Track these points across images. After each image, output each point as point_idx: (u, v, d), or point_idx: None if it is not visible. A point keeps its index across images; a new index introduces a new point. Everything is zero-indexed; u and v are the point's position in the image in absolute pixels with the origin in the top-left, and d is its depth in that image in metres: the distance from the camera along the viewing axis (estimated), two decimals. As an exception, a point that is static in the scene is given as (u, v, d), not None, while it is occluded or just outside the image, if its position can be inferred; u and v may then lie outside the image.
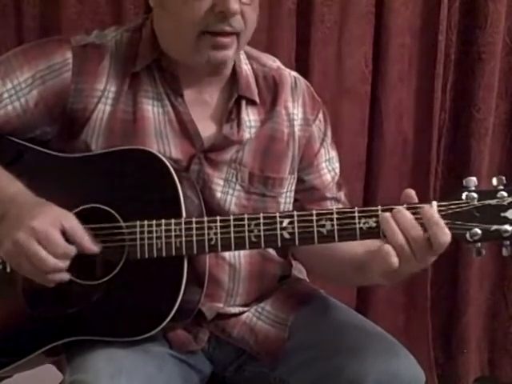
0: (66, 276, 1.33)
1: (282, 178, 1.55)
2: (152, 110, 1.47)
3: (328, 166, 1.63)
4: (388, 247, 1.26)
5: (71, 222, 1.33)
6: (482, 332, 2.66)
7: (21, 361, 1.44)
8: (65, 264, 1.31)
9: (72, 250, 1.32)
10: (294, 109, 1.58)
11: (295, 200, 1.60)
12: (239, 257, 1.51)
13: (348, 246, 1.37)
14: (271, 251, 1.58)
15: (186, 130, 1.48)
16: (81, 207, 1.38)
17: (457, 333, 2.58)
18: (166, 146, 1.47)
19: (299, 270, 1.70)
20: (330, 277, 1.64)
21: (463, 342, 2.58)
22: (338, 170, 1.66)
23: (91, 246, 1.34)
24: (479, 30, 2.37)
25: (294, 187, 1.59)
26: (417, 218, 1.26)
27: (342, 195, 1.65)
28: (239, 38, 1.42)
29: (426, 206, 1.26)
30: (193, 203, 1.41)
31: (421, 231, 1.25)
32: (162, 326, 1.36)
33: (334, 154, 1.66)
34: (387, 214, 1.27)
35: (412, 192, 1.30)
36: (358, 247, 1.39)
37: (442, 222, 1.25)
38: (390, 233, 1.26)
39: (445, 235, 1.25)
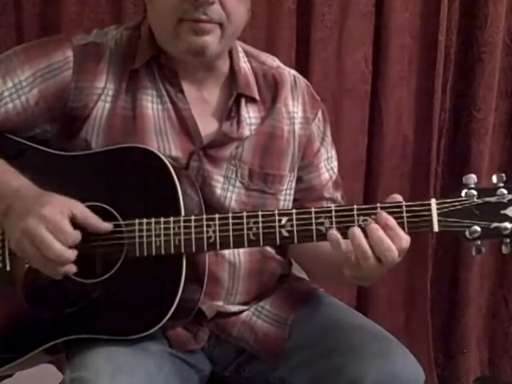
0: (72, 268, 1.34)
1: (281, 175, 1.56)
2: (151, 107, 1.48)
3: (327, 165, 1.64)
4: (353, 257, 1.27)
5: (79, 207, 1.34)
6: (482, 332, 2.66)
7: (21, 359, 1.44)
8: (72, 253, 1.32)
9: (79, 236, 1.33)
10: (294, 107, 1.59)
11: (295, 199, 1.60)
12: (239, 255, 1.51)
13: (327, 245, 1.36)
14: (271, 249, 1.58)
15: (185, 126, 1.48)
16: (80, 205, 1.38)
17: (457, 333, 2.59)
18: (166, 143, 1.47)
19: (299, 269, 1.70)
20: (315, 275, 1.66)
21: (463, 341, 2.58)
22: (336, 170, 1.66)
23: (104, 225, 1.36)
24: (479, 30, 2.37)
25: (293, 185, 1.59)
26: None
27: (338, 195, 1.65)
28: (223, 29, 1.42)
29: (381, 212, 1.27)
30: (192, 201, 1.41)
31: (391, 247, 1.26)
32: (161, 325, 1.36)
33: (333, 152, 1.66)
34: (358, 231, 1.27)
35: (399, 197, 1.31)
36: None
37: (397, 228, 1.26)
38: (357, 250, 1.26)
39: (401, 240, 1.26)
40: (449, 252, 2.56)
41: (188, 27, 1.39)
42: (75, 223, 1.33)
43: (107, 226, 1.36)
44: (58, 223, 1.29)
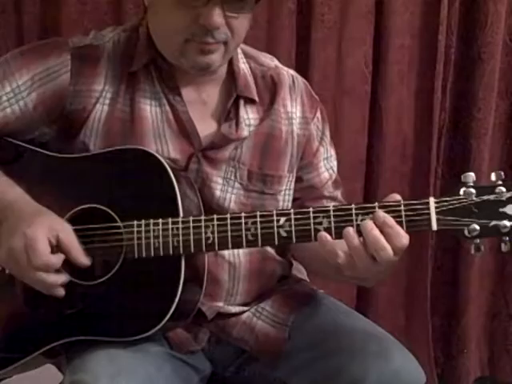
0: (61, 292, 1.34)
1: (280, 175, 1.55)
2: (150, 110, 1.47)
3: (326, 165, 1.64)
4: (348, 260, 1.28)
5: (67, 233, 1.33)
6: (482, 332, 2.66)
7: (20, 361, 1.44)
8: (48, 274, 1.31)
9: (56, 261, 1.31)
10: (293, 107, 1.58)
11: (295, 199, 1.60)
12: (239, 255, 1.51)
13: None
14: (271, 250, 1.58)
15: (184, 129, 1.48)
16: (78, 208, 1.38)
17: (457, 333, 2.59)
18: (164, 146, 1.47)
19: (299, 270, 1.70)
20: (316, 272, 1.66)
21: (463, 341, 2.59)
22: (335, 169, 1.66)
23: (83, 258, 1.34)
24: (479, 30, 2.38)
25: (292, 185, 1.59)
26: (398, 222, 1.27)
27: (338, 194, 1.65)
28: (227, 45, 1.43)
29: (378, 211, 1.27)
30: (191, 202, 1.41)
31: (385, 245, 1.26)
32: (160, 326, 1.36)
33: (332, 152, 1.66)
34: (351, 231, 1.27)
35: (397, 197, 1.30)
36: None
37: (396, 226, 1.26)
38: (352, 249, 1.27)
39: (401, 238, 1.26)
40: (449, 252, 2.56)
41: (195, 48, 1.40)
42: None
43: (86, 260, 1.34)
44: (35, 243, 1.28)
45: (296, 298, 1.59)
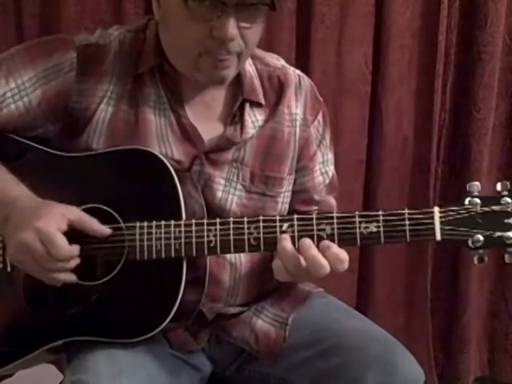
0: (72, 277, 1.34)
1: (282, 177, 1.55)
2: (154, 113, 1.47)
3: (321, 169, 1.63)
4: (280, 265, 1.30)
5: (76, 213, 1.34)
6: (482, 332, 2.66)
7: (21, 359, 1.44)
8: (70, 265, 1.32)
9: (74, 249, 1.32)
10: (297, 108, 1.58)
11: None
12: (240, 256, 1.51)
13: None
14: (272, 251, 1.58)
15: (187, 134, 1.48)
16: (81, 207, 1.37)
17: (457, 333, 2.59)
18: (168, 148, 1.46)
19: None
20: None
21: (463, 342, 2.59)
22: (330, 173, 1.66)
23: (102, 229, 1.35)
24: (479, 30, 2.37)
25: (291, 187, 1.59)
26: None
27: (329, 198, 1.65)
28: (240, 56, 1.41)
29: (305, 240, 1.28)
30: (194, 203, 1.41)
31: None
32: (161, 327, 1.36)
33: (329, 156, 1.66)
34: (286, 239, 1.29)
35: None
36: None
37: (319, 258, 1.27)
38: (286, 259, 1.29)
39: (321, 268, 1.27)
40: (449, 251, 2.56)
41: (210, 62, 1.39)
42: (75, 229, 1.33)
43: (105, 229, 1.35)
44: (51, 236, 1.28)
45: (296, 297, 1.60)
